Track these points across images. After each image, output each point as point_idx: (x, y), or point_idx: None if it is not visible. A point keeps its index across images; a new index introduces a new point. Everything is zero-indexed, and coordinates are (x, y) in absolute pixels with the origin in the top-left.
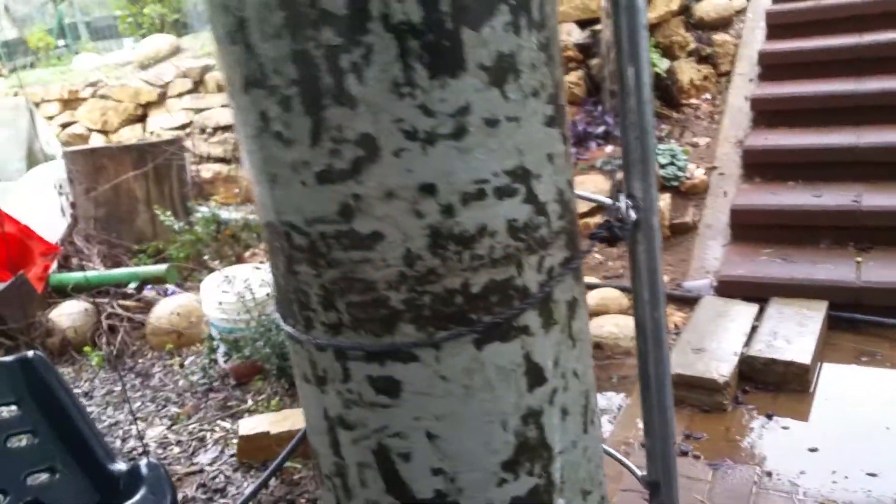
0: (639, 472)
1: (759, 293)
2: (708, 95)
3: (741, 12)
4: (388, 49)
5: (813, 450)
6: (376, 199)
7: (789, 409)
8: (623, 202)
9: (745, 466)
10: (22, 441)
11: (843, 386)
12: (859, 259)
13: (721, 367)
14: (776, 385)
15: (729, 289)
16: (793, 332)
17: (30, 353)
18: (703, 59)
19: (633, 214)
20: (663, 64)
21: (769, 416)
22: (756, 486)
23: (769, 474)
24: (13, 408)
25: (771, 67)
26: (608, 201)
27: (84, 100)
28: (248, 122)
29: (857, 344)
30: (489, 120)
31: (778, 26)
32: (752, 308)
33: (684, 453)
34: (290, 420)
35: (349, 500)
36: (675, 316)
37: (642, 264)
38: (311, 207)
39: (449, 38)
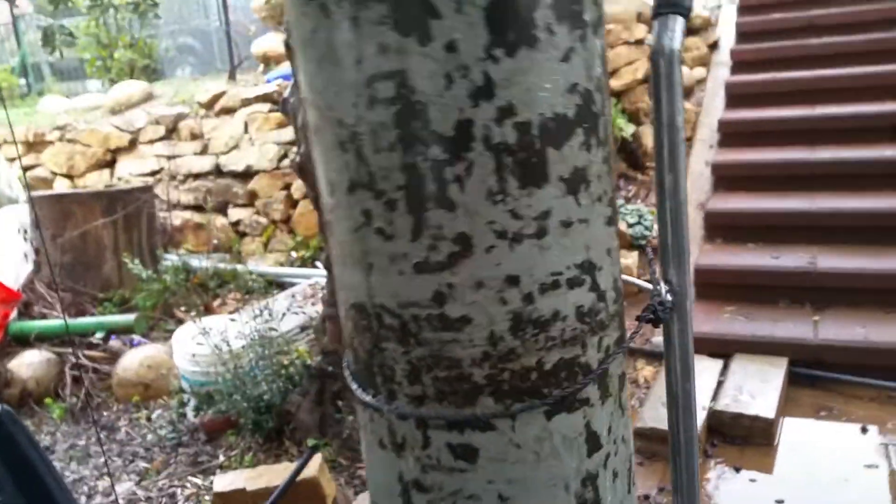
0: None
1: (723, 349)
2: None
3: (702, 82)
4: (486, 164)
5: (779, 502)
6: (467, 288)
7: (756, 462)
8: (663, 288)
9: None
10: None
11: (804, 439)
12: (816, 318)
13: None
14: (743, 438)
15: (695, 345)
16: (756, 388)
17: None
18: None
19: (670, 298)
20: (629, 129)
21: (737, 469)
22: None
23: None
24: None
25: (730, 135)
26: (650, 287)
27: (50, 143)
28: (350, 218)
29: (816, 399)
30: (565, 222)
31: (736, 96)
32: (718, 363)
33: None
34: (266, 477)
35: None
36: (645, 370)
37: (675, 341)
38: (405, 293)
39: (537, 155)
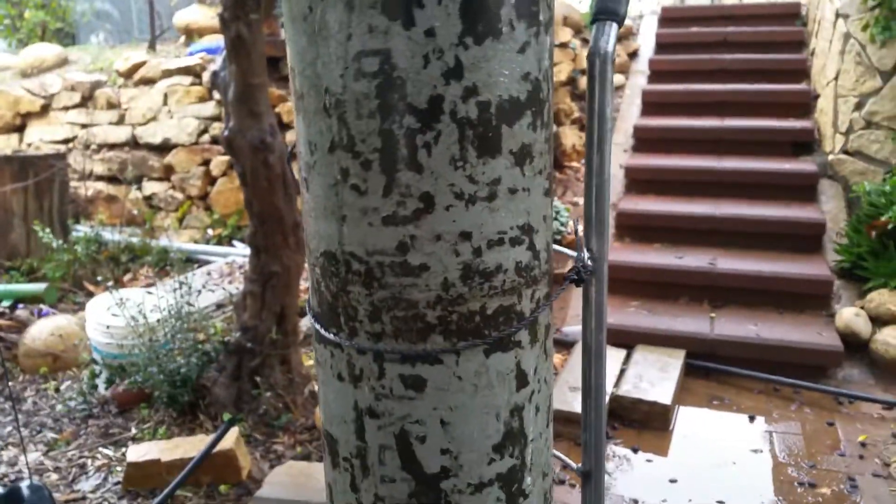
0: (574, 465)
1: (626, 340)
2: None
3: (620, 88)
4: (451, 135)
5: (673, 480)
6: (427, 240)
7: (652, 444)
8: (585, 254)
9: (615, 495)
10: None
11: (697, 425)
12: (713, 315)
13: None
14: (641, 423)
15: None
16: (655, 377)
17: None
18: (585, 128)
19: (591, 263)
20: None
21: (635, 450)
22: None
23: (635, 502)
24: None
25: (644, 140)
26: (574, 254)
27: None
28: (328, 175)
29: (710, 389)
30: (511, 189)
31: (652, 104)
32: (621, 353)
33: (561, 482)
34: (181, 448)
35: (365, 476)
36: (554, 357)
37: (593, 299)
38: (373, 242)
39: (493, 130)
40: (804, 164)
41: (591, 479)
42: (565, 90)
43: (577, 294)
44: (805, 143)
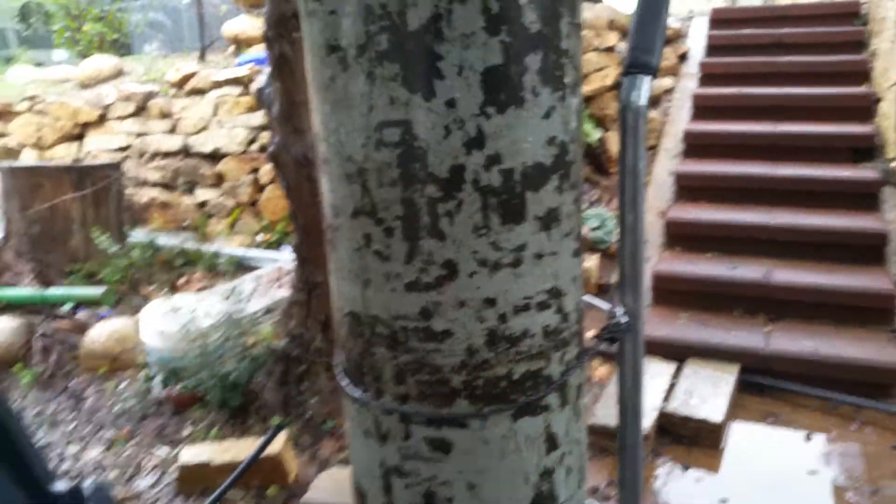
0: None
1: (677, 354)
2: None
3: (669, 91)
4: (474, 203)
5: (723, 500)
6: (451, 307)
7: (702, 462)
8: (619, 311)
9: None
10: None
11: (750, 443)
12: (768, 328)
13: (642, 420)
14: (691, 439)
15: (650, 347)
16: (707, 392)
17: None
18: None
19: (626, 320)
20: (596, 134)
21: (685, 468)
22: None
23: None
24: None
25: (694, 146)
26: (606, 307)
27: (18, 113)
28: (352, 239)
29: (764, 406)
30: (537, 254)
31: (703, 108)
32: (671, 367)
33: (607, 498)
34: (231, 451)
35: None
36: (599, 370)
37: (629, 358)
38: (396, 307)
39: (517, 197)
40: (865, 171)
41: None
42: (611, 95)
43: None
44: (866, 149)
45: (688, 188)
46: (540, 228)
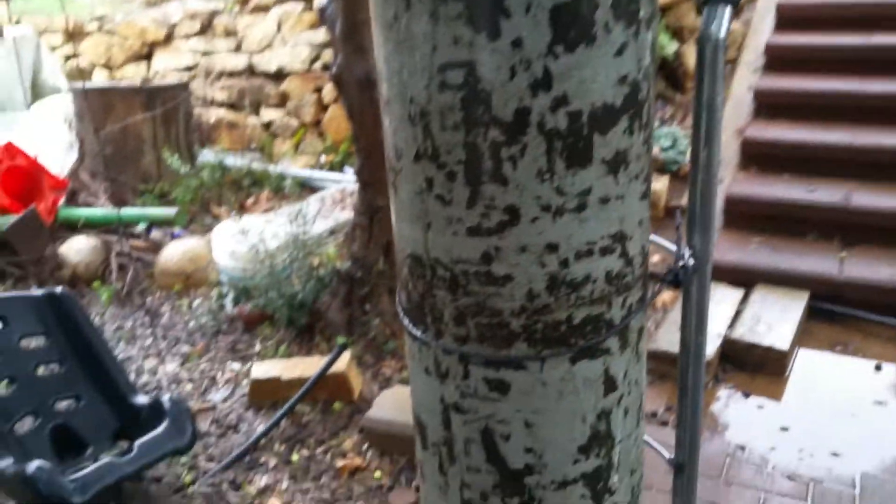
0: (667, 455)
1: (745, 279)
2: None
3: (752, 1)
4: (538, 147)
5: (784, 428)
6: (512, 252)
7: (765, 389)
8: (686, 251)
9: (721, 439)
10: (50, 369)
11: (816, 372)
12: (843, 254)
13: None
14: (755, 366)
15: (717, 273)
16: (774, 319)
17: (58, 289)
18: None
19: (692, 262)
20: (672, 47)
21: (746, 395)
22: (730, 457)
23: (742, 448)
24: (41, 339)
25: (777, 59)
26: (673, 248)
27: (89, 34)
28: (414, 182)
29: (833, 334)
30: (603, 198)
31: (788, 19)
32: (738, 292)
33: (664, 423)
34: (300, 367)
35: (452, 464)
36: (664, 295)
37: (693, 301)
38: (458, 251)
39: (584, 140)
40: None
41: (684, 472)
42: (689, 5)
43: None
44: None
45: (767, 105)
46: (607, 172)
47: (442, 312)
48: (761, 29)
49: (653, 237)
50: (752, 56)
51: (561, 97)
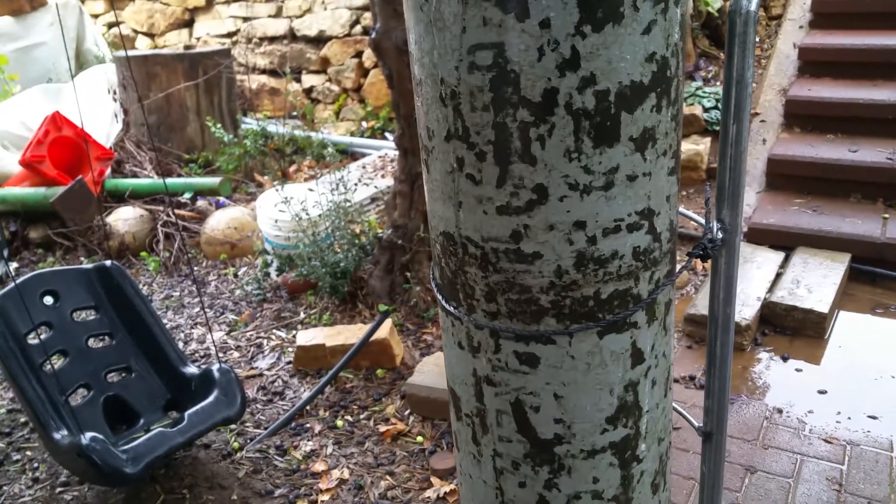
0: (696, 424)
1: (786, 242)
2: (757, 38)
3: None
4: (566, 127)
5: (822, 392)
6: (540, 230)
7: (804, 352)
8: (715, 225)
9: (759, 402)
10: (101, 342)
11: (856, 335)
12: (886, 216)
13: (744, 310)
14: (794, 330)
15: (758, 236)
16: (814, 282)
17: (107, 262)
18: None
19: (721, 236)
20: (716, 3)
21: (784, 359)
22: (767, 420)
23: (780, 411)
24: (92, 311)
25: (822, 15)
26: (702, 221)
27: (131, 0)
28: (445, 162)
29: (875, 296)
30: (630, 176)
31: None
32: (779, 256)
33: (702, 387)
34: (343, 335)
35: (485, 433)
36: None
37: (721, 273)
38: (488, 229)
39: (611, 119)
40: None
41: (712, 441)
42: None
43: None
44: None
45: (813, 63)
46: (634, 150)
47: (473, 289)
48: None
49: (682, 210)
50: (798, 12)
51: (588, 77)
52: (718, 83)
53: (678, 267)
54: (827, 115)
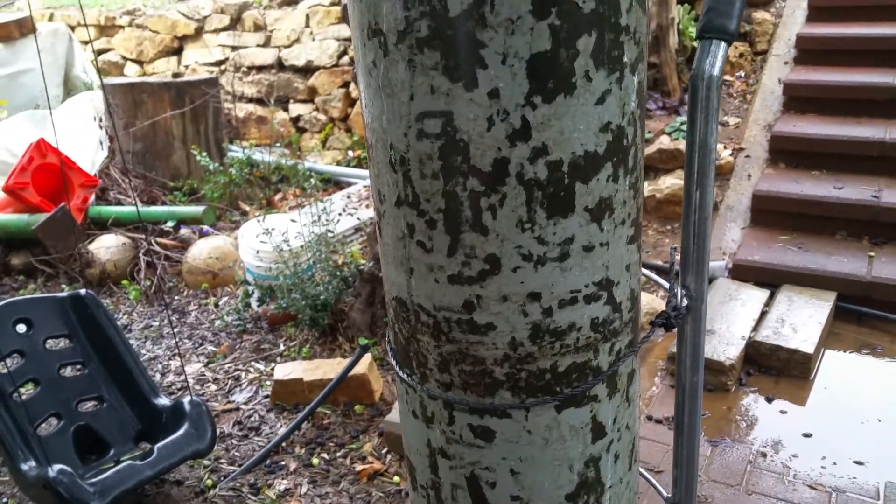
0: (665, 493)
1: (771, 279)
2: (742, 73)
3: None
4: (518, 197)
5: (807, 435)
6: (493, 300)
7: (789, 394)
8: (679, 292)
9: (742, 446)
10: (74, 371)
11: (842, 376)
12: (872, 253)
13: (728, 350)
14: (779, 370)
15: (743, 272)
16: (800, 321)
17: (82, 291)
18: (740, 36)
19: (686, 303)
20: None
21: (769, 400)
22: (751, 465)
23: (764, 455)
24: (65, 340)
25: (808, 52)
26: (667, 285)
27: (121, 27)
28: (396, 227)
29: (861, 336)
30: (587, 247)
31: (819, 9)
32: (764, 293)
33: (659, 421)
34: (322, 369)
35: None
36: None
37: (688, 341)
38: (439, 298)
39: (565, 189)
40: None
41: None
42: None
43: (720, 224)
44: None
45: (797, 98)
46: (590, 220)
47: (426, 357)
48: (792, 21)
49: (647, 272)
50: (783, 48)
51: (540, 147)
52: None
53: (641, 335)
54: (812, 151)
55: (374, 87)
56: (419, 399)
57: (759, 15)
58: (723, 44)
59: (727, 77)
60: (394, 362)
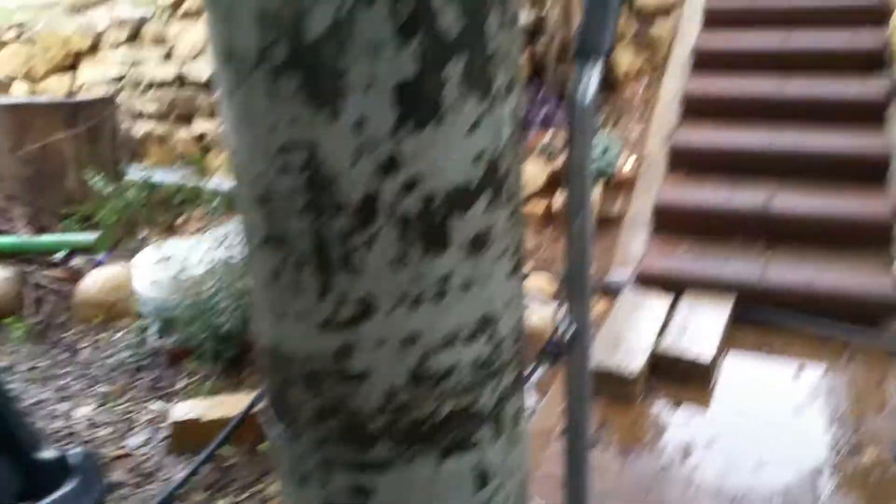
0: None
1: (674, 286)
2: (646, 81)
3: (679, 4)
4: (390, 234)
5: (711, 441)
6: (368, 346)
7: (694, 398)
8: (564, 323)
9: (648, 458)
10: None
11: (741, 379)
12: (766, 258)
13: (633, 361)
14: (682, 378)
15: (648, 281)
16: (700, 328)
17: None
18: (642, 47)
19: (571, 330)
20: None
21: (674, 408)
22: (656, 478)
23: (669, 466)
24: None
25: (703, 62)
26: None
27: (5, 43)
28: (263, 270)
29: (758, 338)
30: (465, 283)
31: (713, 21)
32: (666, 301)
33: (597, 443)
34: (223, 406)
35: None
36: (599, 305)
37: (575, 371)
38: (311, 345)
39: (439, 224)
40: (871, 87)
41: None
42: (622, 7)
43: (625, 235)
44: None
45: (694, 108)
46: (467, 255)
47: (299, 411)
48: (689, 31)
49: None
50: (680, 59)
51: (410, 180)
52: (611, 126)
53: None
54: (708, 159)
55: (233, 116)
56: (293, 457)
57: (658, 26)
58: (596, 64)
59: (631, 87)
60: (269, 416)
